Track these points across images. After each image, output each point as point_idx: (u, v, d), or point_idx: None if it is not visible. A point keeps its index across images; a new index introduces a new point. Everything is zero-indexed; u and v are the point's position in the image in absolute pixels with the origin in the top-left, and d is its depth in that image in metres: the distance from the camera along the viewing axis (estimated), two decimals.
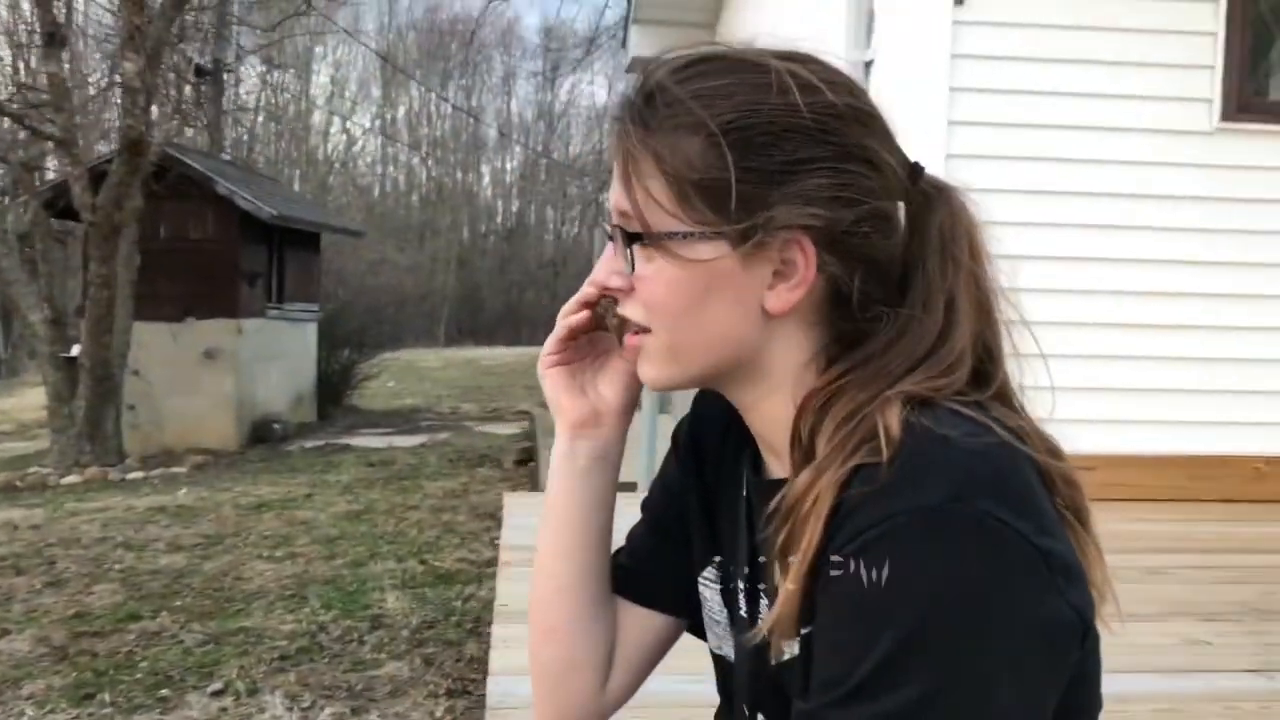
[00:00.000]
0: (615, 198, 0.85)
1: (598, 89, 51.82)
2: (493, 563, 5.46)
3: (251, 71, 24.05)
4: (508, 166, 40.54)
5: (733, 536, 0.97)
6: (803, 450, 0.81)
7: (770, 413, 0.87)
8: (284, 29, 18.86)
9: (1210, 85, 4.19)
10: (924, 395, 0.78)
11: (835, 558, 0.73)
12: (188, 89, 14.77)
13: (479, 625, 4.42)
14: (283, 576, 5.20)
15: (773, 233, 0.80)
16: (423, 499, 7.18)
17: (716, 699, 1.03)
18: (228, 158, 17.87)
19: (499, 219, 40.43)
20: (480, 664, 3.98)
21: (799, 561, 0.76)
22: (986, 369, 0.83)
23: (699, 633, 1.05)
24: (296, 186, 27.41)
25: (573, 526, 1.00)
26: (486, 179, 40.34)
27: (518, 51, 39.34)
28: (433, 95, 36.28)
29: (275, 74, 26.67)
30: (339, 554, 5.62)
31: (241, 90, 24.84)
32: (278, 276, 14.50)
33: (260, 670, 3.88)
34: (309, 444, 12.02)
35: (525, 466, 8.46)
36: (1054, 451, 0.81)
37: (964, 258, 0.85)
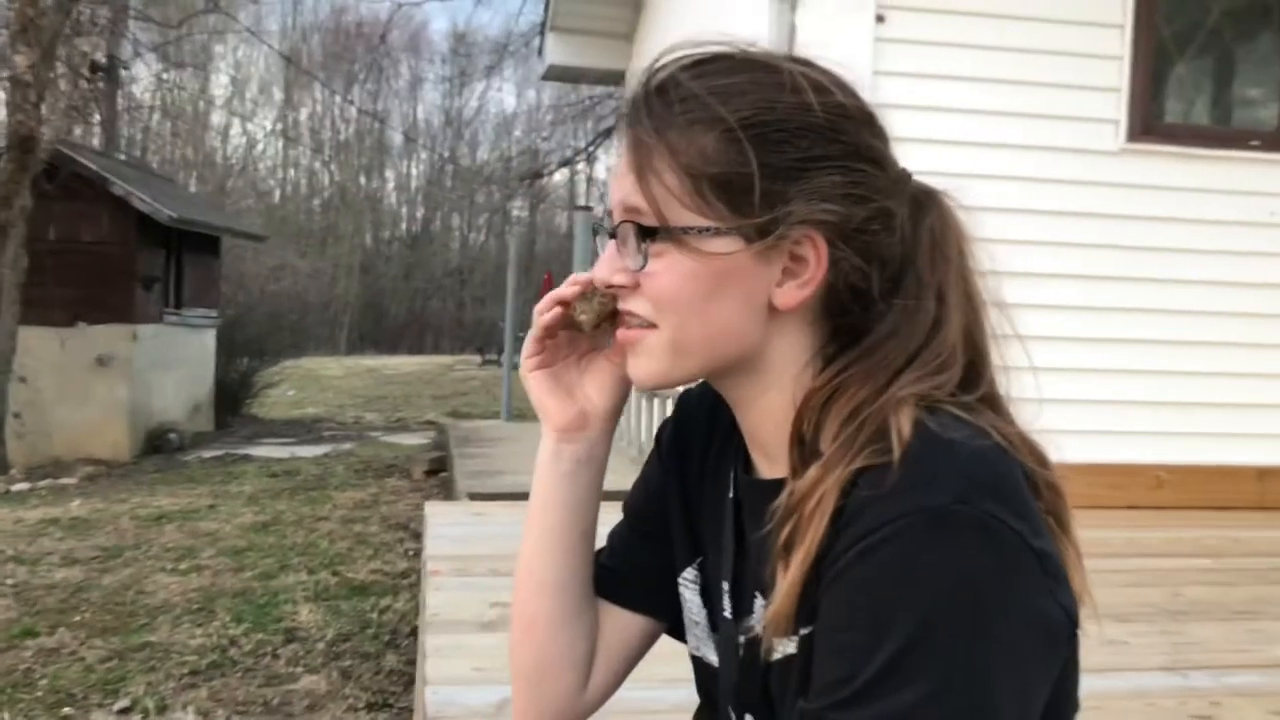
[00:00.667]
0: (622, 193, 0.84)
1: (506, 96, 51.71)
2: (408, 574, 5.37)
3: (147, 69, 23.31)
4: (413, 172, 40.11)
5: (716, 537, 0.96)
6: (805, 448, 0.81)
7: (766, 410, 0.87)
8: (184, 26, 18.33)
9: (1117, 107, 4.36)
10: (928, 397, 0.79)
11: (842, 559, 0.73)
12: (82, 85, 14.24)
13: (396, 637, 4.35)
14: (188, 590, 5.03)
15: (789, 228, 0.80)
16: (332, 510, 7.02)
17: (674, 704, 1.03)
18: (123, 157, 17.28)
19: (403, 225, 39.95)
20: (400, 676, 3.91)
21: (801, 559, 0.76)
22: (976, 368, 0.85)
23: (678, 634, 1.05)
24: (193, 189, 26.62)
25: (556, 529, 0.99)
26: (391, 184, 39.84)
27: (426, 56, 38.98)
28: (337, 98, 35.67)
29: (173, 72, 25.89)
30: (247, 566, 5.46)
31: (137, 89, 24.07)
32: (176, 281, 14.06)
33: (169, 687, 3.74)
34: (207, 454, 11.67)
35: (436, 477, 8.33)
36: (1040, 459, 0.82)
37: (952, 254, 0.87)
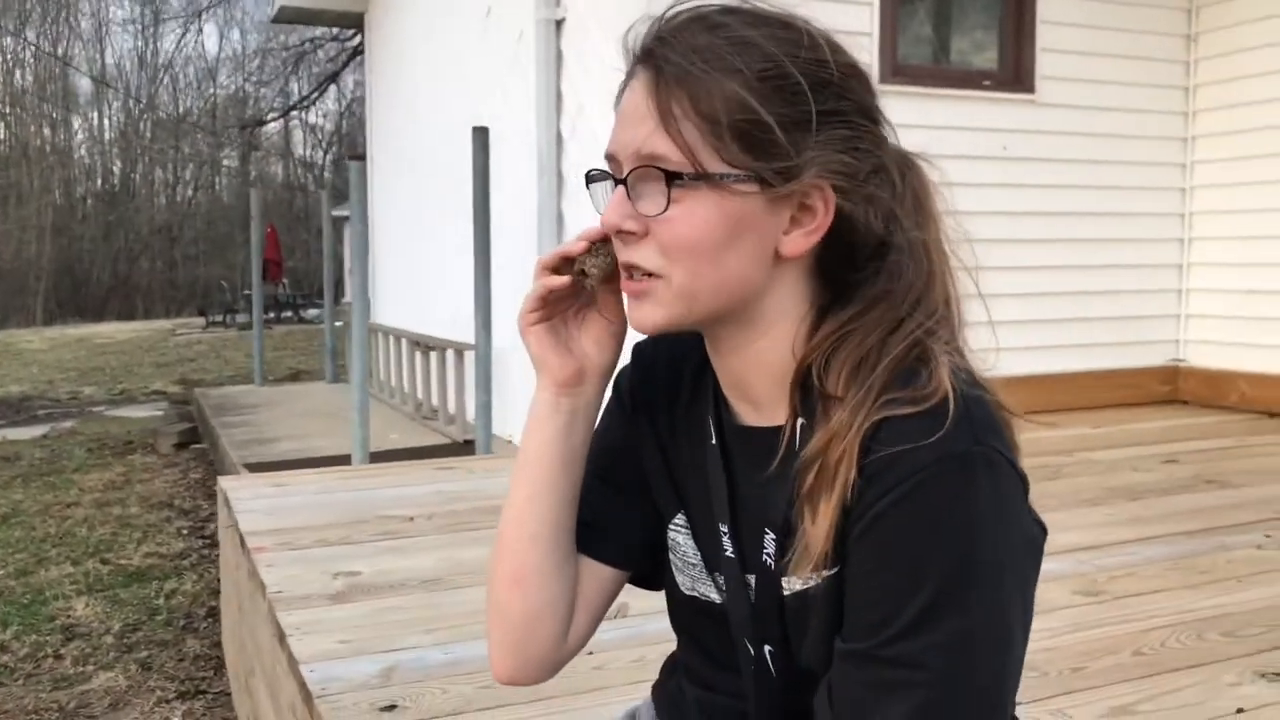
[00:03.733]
0: (638, 139, 0.85)
1: (208, 39, 48.15)
2: (186, 554, 5.07)
3: None
4: (106, 123, 36.66)
5: (700, 484, 0.99)
6: (815, 392, 0.86)
7: (758, 356, 0.91)
8: None
9: (870, 51, 4.64)
10: (945, 348, 0.85)
11: (874, 507, 0.79)
12: None
13: (193, 621, 4.11)
14: None
15: (808, 178, 0.84)
16: (79, 494, 6.46)
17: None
18: None
19: (99, 181, 36.53)
20: (208, 660, 3.72)
21: (830, 503, 0.81)
22: (953, 315, 0.92)
23: (642, 582, 1.08)
24: None
25: (550, 481, 0.99)
26: (81, 136, 36.26)
27: None
28: (8, 40, 31.96)
29: None
30: None
31: None
32: None
33: None
34: None
35: (189, 450, 7.83)
36: (998, 395, 0.90)
37: (934, 211, 0.94)
